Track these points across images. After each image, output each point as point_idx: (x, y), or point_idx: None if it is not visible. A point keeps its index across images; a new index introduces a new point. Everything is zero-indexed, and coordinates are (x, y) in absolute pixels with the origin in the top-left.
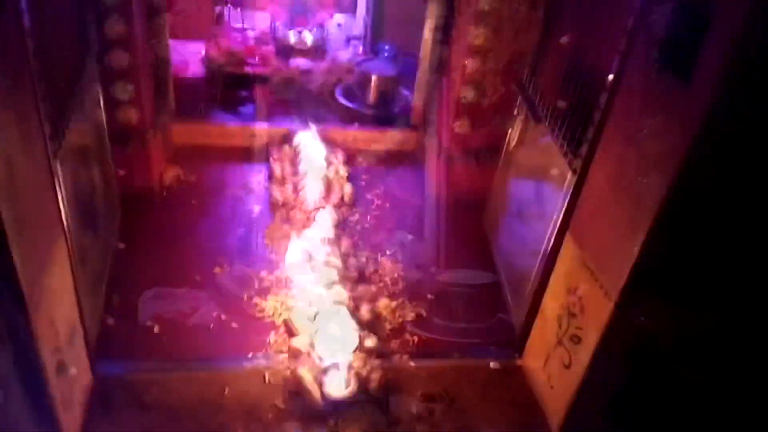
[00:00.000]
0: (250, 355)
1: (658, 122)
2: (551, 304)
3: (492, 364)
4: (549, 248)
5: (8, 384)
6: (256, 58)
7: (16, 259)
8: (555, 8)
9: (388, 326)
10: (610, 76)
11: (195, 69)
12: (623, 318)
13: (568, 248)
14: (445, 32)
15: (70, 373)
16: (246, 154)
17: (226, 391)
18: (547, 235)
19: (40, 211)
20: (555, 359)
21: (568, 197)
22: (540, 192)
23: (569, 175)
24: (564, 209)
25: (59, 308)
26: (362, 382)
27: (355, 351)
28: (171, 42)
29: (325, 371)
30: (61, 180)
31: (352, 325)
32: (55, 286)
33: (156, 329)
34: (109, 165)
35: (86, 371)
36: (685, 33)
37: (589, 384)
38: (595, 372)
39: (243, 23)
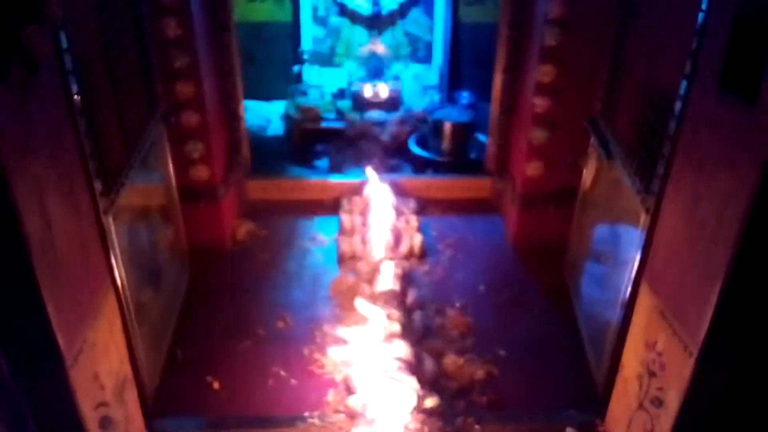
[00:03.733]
0: (306, 413)
1: (725, 149)
2: (631, 361)
3: (569, 430)
4: (626, 297)
5: None
6: (333, 113)
7: (51, 312)
8: (624, 37)
9: (454, 385)
10: (677, 103)
11: (276, 128)
12: (706, 376)
13: (644, 297)
14: (515, 73)
15: (116, 428)
16: (319, 208)
17: None
18: (624, 283)
19: (85, 266)
20: (638, 425)
21: (643, 240)
22: (616, 235)
23: (643, 214)
24: (639, 253)
25: (105, 362)
26: None
27: (412, 412)
28: (252, 102)
29: None
30: (113, 236)
31: (412, 383)
32: (100, 339)
33: (216, 385)
34: (177, 221)
35: (140, 428)
36: (747, 49)
37: None
38: None
39: (320, 80)
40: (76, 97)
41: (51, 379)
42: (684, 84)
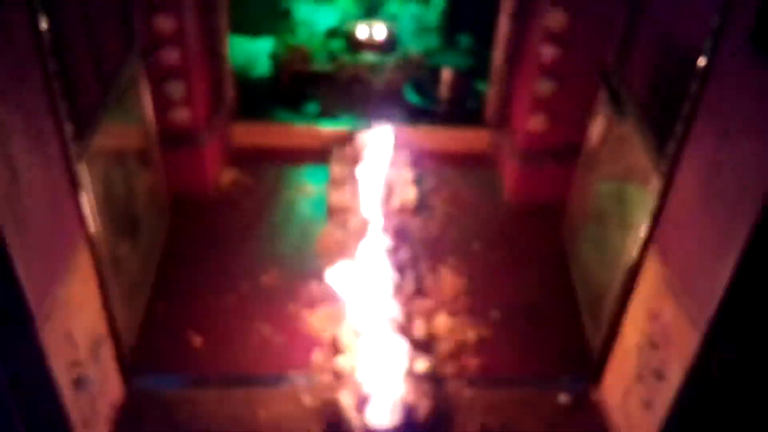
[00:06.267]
0: (291, 373)
1: (754, 114)
2: (631, 329)
3: (562, 397)
4: (631, 264)
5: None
6: (324, 54)
7: (19, 269)
8: None
9: (444, 347)
10: (701, 60)
11: (262, 67)
12: (712, 352)
13: (651, 265)
14: (522, 18)
15: (92, 388)
16: (309, 156)
17: (261, 414)
18: (630, 248)
19: (55, 219)
20: (634, 396)
21: (654, 204)
22: (623, 198)
23: (656, 177)
24: (649, 218)
25: (78, 320)
26: (409, 411)
27: (402, 375)
28: (238, 39)
29: (367, 397)
30: (86, 184)
31: (402, 345)
32: (73, 296)
33: (197, 342)
34: (157, 168)
35: (116, 385)
36: None
37: (672, 429)
38: (680, 416)
39: (311, 18)
40: (44, 33)
41: (20, 339)
42: (711, 40)
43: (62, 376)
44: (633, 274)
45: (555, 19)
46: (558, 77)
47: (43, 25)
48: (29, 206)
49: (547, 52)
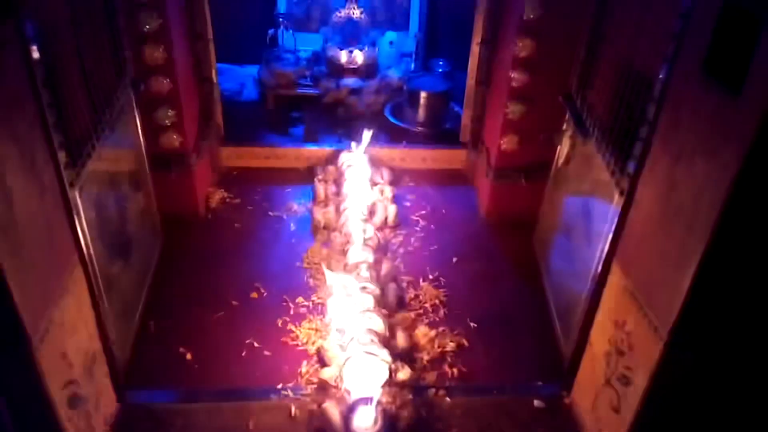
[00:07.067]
0: (279, 386)
1: (707, 138)
2: (599, 337)
3: (536, 402)
4: (596, 275)
5: (17, 417)
6: (308, 79)
7: (15, 294)
8: (603, 13)
9: (425, 357)
10: (657, 85)
11: (250, 93)
12: (675, 360)
13: (615, 277)
14: (492, 46)
15: (87, 405)
16: (294, 176)
17: (251, 425)
18: (595, 261)
19: (50, 244)
20: (604, 401)
21: (616, 220)
22: (588, 213)
23: (617, 195)
24: (611, 233)
25: (73, 339)
26: (391, 419)
27: (385, 384)
28: (226, 67)
29: (352, 407)
30: (80, 209)
31: (384, 355)
32: (68, 317)
33: (189, 357)
34: (148, 190)
35: (112, 401)
36: (734, 37)
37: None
38: (646, 419)
39: (295, 45)
40: (37, 65)
41: (16, 361)
42: (666, 66)
43: (58, 396)
44: (597, 284)
45: (523, 46)
46: (527, 100)
47: (36, 56)
48: (24, 233)
49: (517, 77)
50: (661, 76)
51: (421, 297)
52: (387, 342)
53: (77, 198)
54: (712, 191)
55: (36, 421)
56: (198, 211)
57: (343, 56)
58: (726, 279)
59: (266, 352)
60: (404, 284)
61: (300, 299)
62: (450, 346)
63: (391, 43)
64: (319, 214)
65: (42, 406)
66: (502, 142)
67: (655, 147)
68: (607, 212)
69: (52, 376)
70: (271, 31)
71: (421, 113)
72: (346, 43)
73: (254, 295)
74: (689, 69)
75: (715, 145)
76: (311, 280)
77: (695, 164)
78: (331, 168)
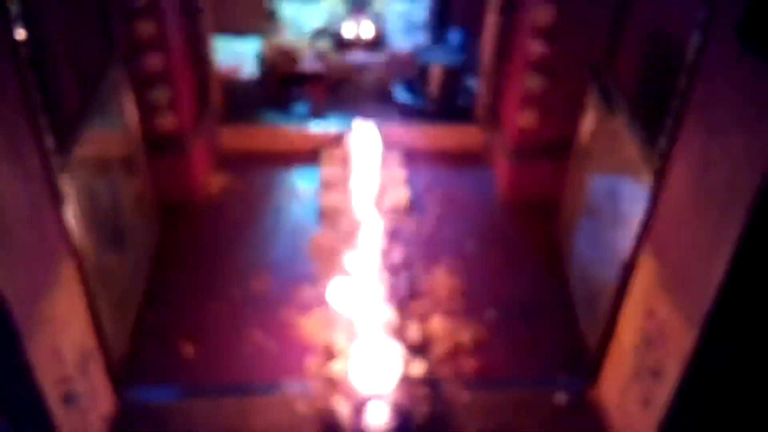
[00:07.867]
0: (284, 381)
1: (742, 108)
2: (627, 327)
3: (559, 398)
4: (626, 261)
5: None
6: (312, 54)
7: (2, 286)
8: None
9: (439, 350)
10: (689, 54)
11: (250, 68)
12: (708, 349)
13: (646, 262)
14: (510, 13)
15: (82, 402)
16: (299, 158)
17: (255, 423)
18: (624, 245)
19: (37, 234)
20: (632, 395)
21: (647, 201)
22: (616, 195)
23: (647, 173)
24: (643, 215)
25: (66, 334)
26: (405, 416)
27: (398, 379)
28: (224, 41)
29: (362, 403)
30: (69, 196)
31: (397, 348)
32: (59, 311)
33: (189, 351)
34: (143, 176)
35: (107, 398)
36: None
37: (671, 426)
38: (678, 413)
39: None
40: (22, 45)
41: (6, 357)
42: (698, 34)
43: (51, 393)
44: (627, 270)
45: (543, 13)
46: (548, 73)
47: (21, 36)
48: (10, 222)
49: (536, 47)
50: (693, 43)
51: (435, 286)
52: (399, 333)
53: (66, 184)
54: (748, 167)
55: (29, 419)
56: (196, 198)
57: (349, 29)
58: (763, 264)
59: (270, 345)
60: (417, 272)
61: (306, 288)
62: (466, 337)
63: (400, 13)
64: (326, 199)
65: (34, 404)
66: (520, 118)
67: (687, 120)
68: (636, 193)
69: (44, 372)
70: (271, 2)
71: (434, 89)
72: (352, 14)
73: (257, 284)
74: (724, 35)
75: (754, 118)
76: (318, 269)
77: (730, 138)
78: (338, 149)
